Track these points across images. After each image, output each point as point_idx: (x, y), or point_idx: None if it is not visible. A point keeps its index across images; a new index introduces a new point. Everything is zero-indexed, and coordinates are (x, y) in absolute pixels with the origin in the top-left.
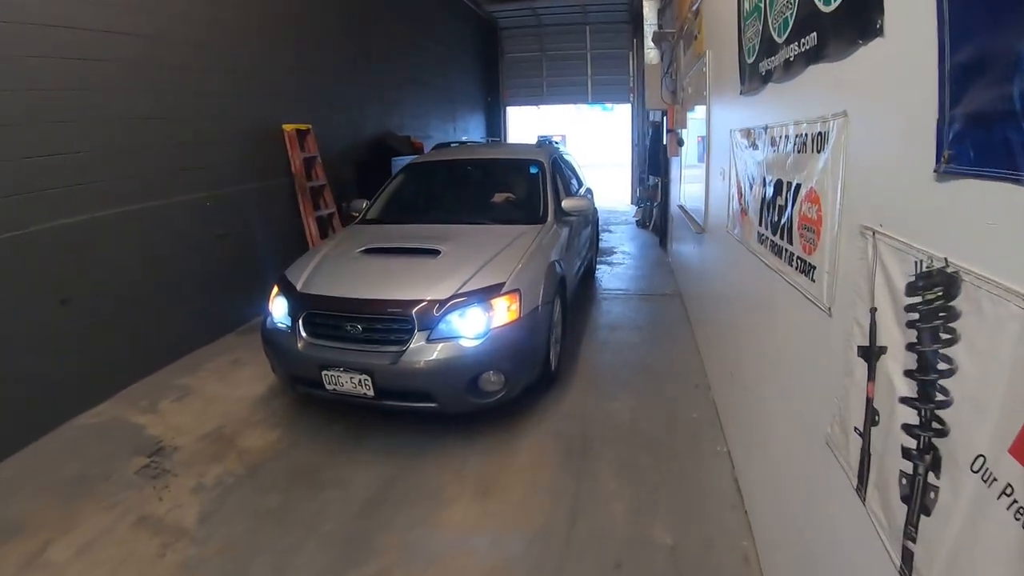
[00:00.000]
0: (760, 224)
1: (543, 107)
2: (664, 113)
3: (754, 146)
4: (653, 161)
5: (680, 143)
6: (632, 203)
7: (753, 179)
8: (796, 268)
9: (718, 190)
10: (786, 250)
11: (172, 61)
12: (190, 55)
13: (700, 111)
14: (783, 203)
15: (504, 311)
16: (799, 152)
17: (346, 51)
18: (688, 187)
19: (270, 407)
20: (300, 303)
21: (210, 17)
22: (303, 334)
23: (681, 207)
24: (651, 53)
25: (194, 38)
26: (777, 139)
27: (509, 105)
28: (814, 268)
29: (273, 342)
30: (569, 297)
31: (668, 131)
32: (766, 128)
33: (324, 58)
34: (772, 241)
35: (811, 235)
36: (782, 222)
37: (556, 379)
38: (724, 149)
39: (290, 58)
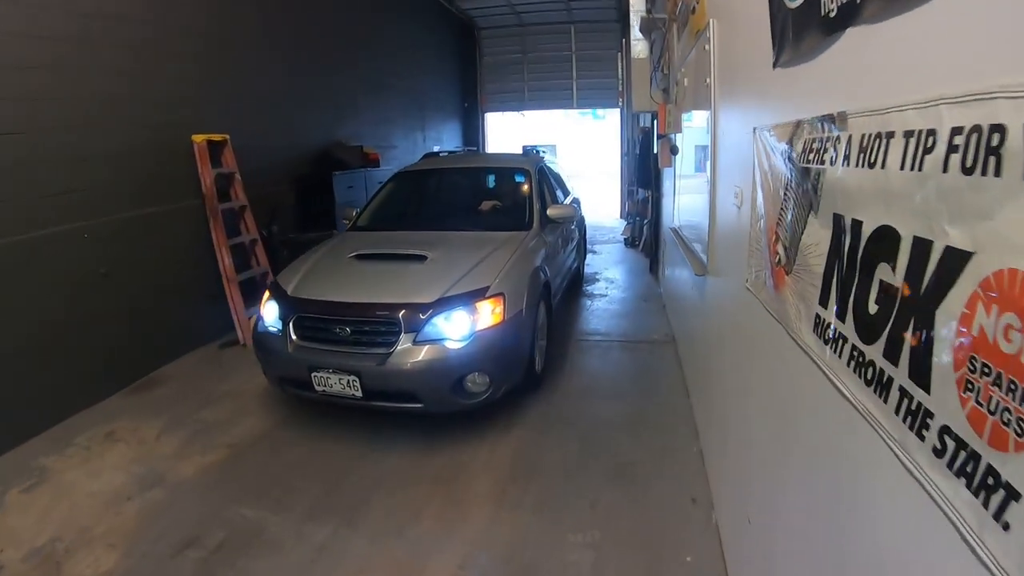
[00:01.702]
0: (824, 302)
1: (526, 114)
2: (655, 116)
3: (811, 156)
4: (643, 172)
5: (674, 151)
6: (621, 218)
7: (808, 215)
8: (942, 456)
9: (730, 221)
10: (904, 391)
11: (30, 62)
12: (59, 53)
13: (701, 109)
14: (896, 282)
15: (489, 314)
16: (970, 172)
17: (286, 48)
18: (684, 205)
19: (120, 512)
20: (291, 307)
21: (91, 7)
22: (293, 337)
23: (676, 231)
24: (638, 45)
25: (63, 32)
26: (875, 142)
27: (488, 111)
28: (1006, 491)
29: (264, 345)
30: (555, 303)
31: (659, 137)
32: (842, 121)
33: (256, 56)
34: (857, 351)
35: (1009, 397)
36: (892, 324)
37: (541, 384)
38: (741, 160)
39: (207, 56)
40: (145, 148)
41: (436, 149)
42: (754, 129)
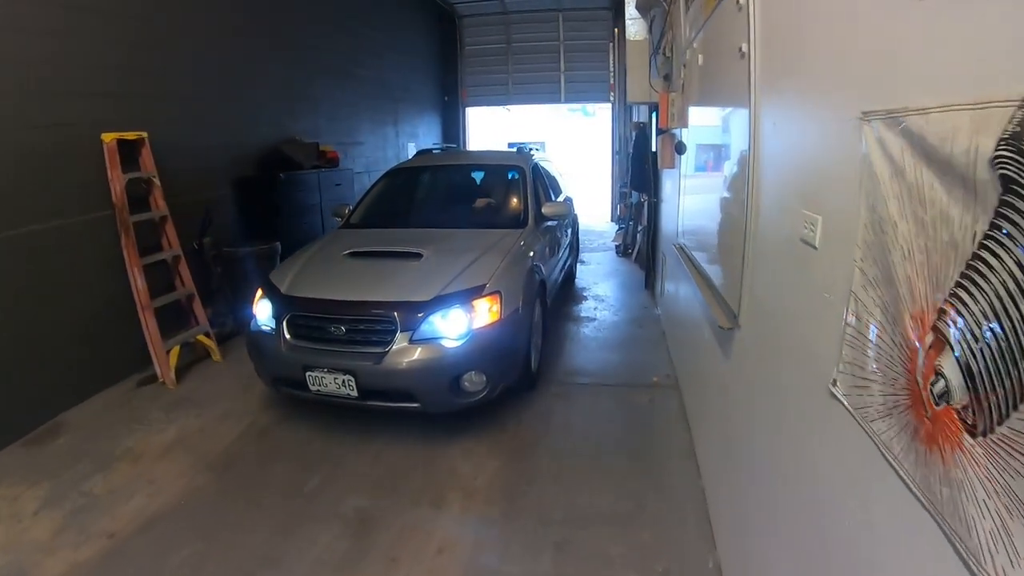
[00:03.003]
0: None
1: (511, 109)
2: (654, 109)
3: None
4: (638, 173)
5: (679, 150)
6: (612, 221)
7: None
8: None
9: (789, 266)
10: None
11: None
12: None
13: (725, 94)
14: None
15: (485, 312)
16: None
17: (228, 30)
18: (693, 218)
19: None
20: (284, 305)
21: None
22: (287, 336)
23: (681, 248)
24: (635, 25)
25: None
26: None
27: (469, 106)
28: None
29: (257, 344)
30: (549, 301)
31: (659, 132)
32: None
33: (189, 39)
34: None
35: None
36: None
37: (536, 383)
38: (819, 171)
39: (123, 38)
40: (38, 151)
41: (411, 145)
42: (864, 117)
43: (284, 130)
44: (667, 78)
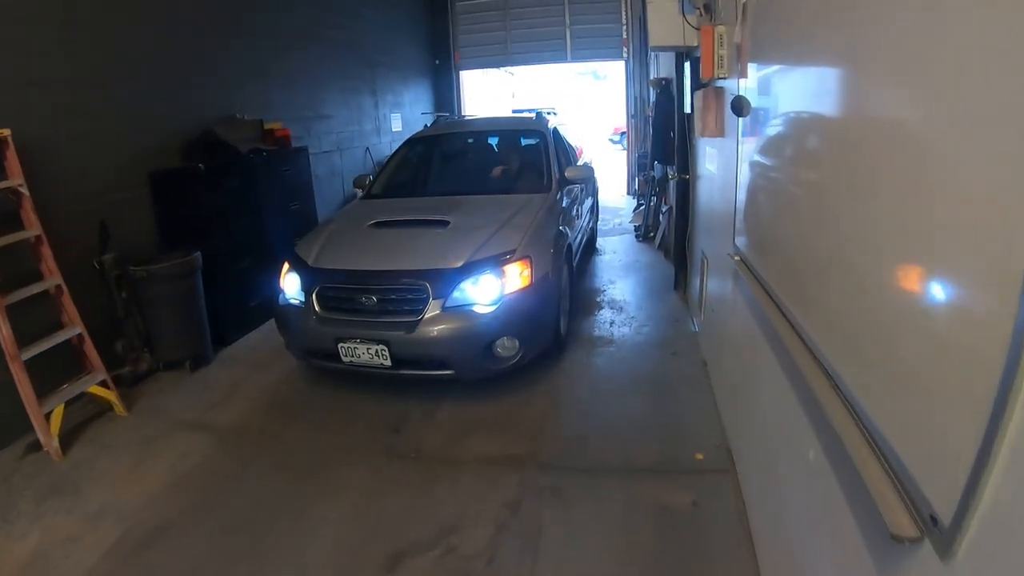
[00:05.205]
0: None
1: (514, 72)
2: (687, 58)
3: None
4: (660, 142)
5: (738, 111)
6: (628, 195)
7: None
8: None
9: None
10: None
11: None
12: None
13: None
14: None
15: (516, 277)
16: None
17: None
18: (767, 209)
19: None
20: (313, 277)
21: None
22: (317, 308)
23: (744, 263)
24: None
25: None
26: None
27: (463, 69)
28: None
29: (286, 318)
30: (575, 265)
31: (696, 86)
32: None
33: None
34: None
35: None
36: None
37: (564, 348)
38: None
39: None
40: None
41: (395, 116)
42: None
43: (222, 107)
44: (708, 8)
